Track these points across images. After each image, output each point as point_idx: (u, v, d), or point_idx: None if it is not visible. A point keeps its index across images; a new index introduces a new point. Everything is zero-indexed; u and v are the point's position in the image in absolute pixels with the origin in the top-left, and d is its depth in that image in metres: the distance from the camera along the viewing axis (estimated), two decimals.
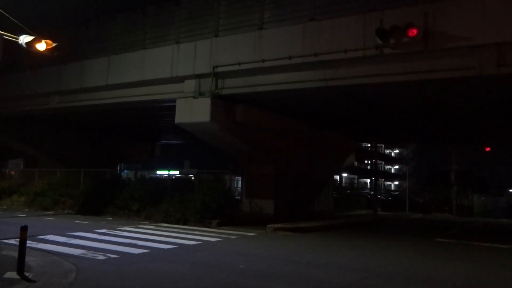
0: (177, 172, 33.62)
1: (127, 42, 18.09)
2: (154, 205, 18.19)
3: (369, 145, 30.79)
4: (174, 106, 16.27)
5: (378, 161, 39.25)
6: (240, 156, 19.46)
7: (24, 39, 11.82)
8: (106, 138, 28.61)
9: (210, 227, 15.66)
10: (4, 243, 9.05)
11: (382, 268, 8.94)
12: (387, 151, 71.20)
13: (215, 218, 16.20)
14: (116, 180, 21.45)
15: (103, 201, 19.35)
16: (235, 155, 19.83)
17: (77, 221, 16.20)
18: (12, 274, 6.59)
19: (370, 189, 41.41)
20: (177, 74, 16.27)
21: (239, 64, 14.56)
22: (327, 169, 23.98)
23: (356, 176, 55.22)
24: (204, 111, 15.33)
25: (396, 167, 74.78)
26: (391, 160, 73.13)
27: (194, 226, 15.81)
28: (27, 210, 20.76)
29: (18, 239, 6.94)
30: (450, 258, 11.05)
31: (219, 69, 15.20)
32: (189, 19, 16.54)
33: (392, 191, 59.58)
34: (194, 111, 15.61)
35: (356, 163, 38.37)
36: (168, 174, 23.94)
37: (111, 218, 17.91)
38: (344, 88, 14.28)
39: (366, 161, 32.39)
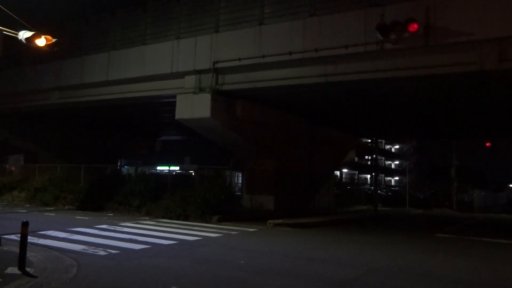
0: (177, 168, 33.62)
1: (127, 38, 18.05)
2: (155, 200, 18.20)
3: (369, 140, 30.77)
4: (175, 102, 16.26)
5: (379, 157, 39.20)
6: (241, 152, 19.46)
7: (23, 34, 11.79)
8: (106, 134, 28.61)
9: (210, 222, 15.68)
10: (5, 238, 9.05)
11: (382, 263, 8.95)
12: (387, 147, 71.18)
13: (215, 214, 16.21)
14: (117, 176, 21.44)
15: (104, 197, 19.37)
16: (236, 151, 19.84)
17: (77, 217, 16.22)
18: (13, 270, 6.60)
19: (371, 184, 41.39)
20: (177, 69, 16.26)
21: (240, 59, 14.54)
22: (328, 165, 23.99)
23: (357, 172, 55.18)
24: (204, 107, 15.32)
25: (397, 162, 74.80)
26: (391, 156, 73.13)
27: (195, 221, 15.83)
28: (27, 205, 20.79)
29: (19, 235, 6.95)
30: (451, 253, 11.07)
31: (220, 65, 15.18)
32: (189, 14, 16.49)
33: (393, 186, 59.63)
34: (194, 107, 15.61)
35: (356, 159, 38.42)
36: (169, 170, 23.96)
37: (111, 214, 17.93)
38: (345, 84, 14.26)
39: (366, 157, 32.39)
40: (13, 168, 29.12)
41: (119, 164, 29.01)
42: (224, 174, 19.33)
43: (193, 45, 15.90)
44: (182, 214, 16.60)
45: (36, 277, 6.44)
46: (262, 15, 14.63)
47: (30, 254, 7.44)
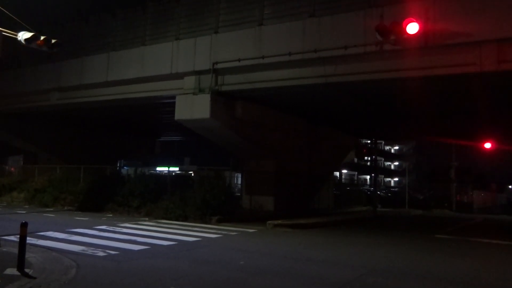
0: (177, 168, 33.62)
1: (127, 39, 18.05)
2: (154, 201, 18.19)
3: (369, 141, 30.76)
4: (174, 102, 16.26)
5: (378, 158, 39.23)
6: (240, 152, 19.46)
7: (23, 35, 11.81)
8: (106, 135, 28.61)
9: (210, 223, 15.67)
10: (4, 239, 9.05)
11: (381, 264, 8.95)
12: (387, 148, 71.21)
13: (215, 215, 16.21)
14: (116, 177, 21.43)
15: (103, 198, 19.35)
16: (235, 151, 19.84)
17: (77, 218, 16.21)
18: (12, 271, 6.60)
19: (370, 185, 41.40)
20: (177, 70, 16.26)
21: (239, 60, 14.53)
22: (327, 166, 23.99)
23: (356, 173, 55.25)
24: (204, 107, 15.32)
25: (396, 163, 74.79)
26: (391, 157, 73.14)
27: (194, 222, 15.83)
28: (27, 206, 20.77)
29: (18, 236, 6.94)
30: (450, 254, 11.07)
31: (219, 66, 15.18)
32: (189, 15, 16.50)
33: (392, 187, 59.62)
34: (194, 108, 15.61)
35: (356, 160, 38.40)
36: (168, 170, 23.93)
37: (111, 215, 17.91)
38: (344, 85, 14.26)
39: (366, 158, 32.37)
40: (12, 169, 29.13)
41: (118, 165, 29.02)
42: (224, 174, 19.31)
43: (193, 46, 15.90)
44: (181, 215, 16.58)
45: (35, 278, 6.43)
46: (261, 16, 14.63)
47: (29, 255, 7.44)
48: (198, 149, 34.81)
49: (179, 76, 16.33)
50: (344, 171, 46.88)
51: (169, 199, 17.80)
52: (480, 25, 11.11)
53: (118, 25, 18.57)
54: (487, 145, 26.75)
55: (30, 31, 11.92)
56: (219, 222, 15.83)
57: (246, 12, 15.05)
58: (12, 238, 9.50)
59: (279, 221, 15.34)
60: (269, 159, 18.75)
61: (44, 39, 12.19)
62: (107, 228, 13.20)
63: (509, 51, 11.10)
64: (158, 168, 30.73)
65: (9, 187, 24.13)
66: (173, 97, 16.36)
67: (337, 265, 8.80)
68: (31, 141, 25.97)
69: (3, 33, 11.46)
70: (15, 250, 6.98)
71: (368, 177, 55.59)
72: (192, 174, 23.76)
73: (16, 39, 11.95)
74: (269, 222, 15.26)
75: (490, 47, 11.23)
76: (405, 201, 33.46)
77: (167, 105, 17.98)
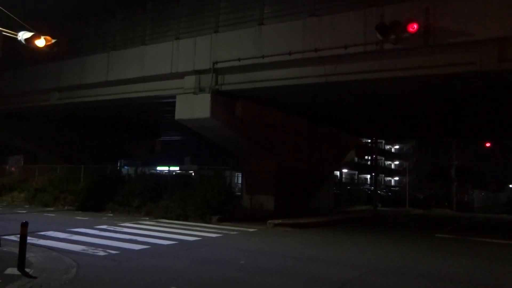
0: (177, 168, 33.57)
1: (127, 38, 18.05)
2: (155, 201, 18.20)
3: (369, 140, 30.79)
4: (174, 102, 16.26)
5: (378, 157, 39.21)
6: (241, 152, 19.45)
7: (23, 35, 11.79)
8: (106, 134, 28.60)
9: (210, 223, 15.68)
10: (5, 239, 9.05)
11: (381, 264, 8.95)
12: (387, 147, 71.17)
13: (215, 214, 16.22)
14: (117, 176, 21.44)
15: (104, 197, 19.37)
16: (236, 151, 19.83)
17: (77, 217, 16.22)
18: (13, 270, 6.60)
19: (371, 184, 41.39)
20: (177, 70, 16.26)
21: (239, 60, 14.53)
22: (327, 165, 23.98)
23: (357, 172, 55.19)
24: (204, 107, 15.31)
25: (396, 162, 74.77)
26: (391, 156, 73.11)
27: (195, 222, 15.84)
28: (27, 206, 20.79)
29: (19, 235, 6.95)
30: (450, 253, 11.06)
31: (219, 65, 15.18)
32: (189, 15, 16.49)
33: (392, 186, 59.60)
34: (194, 107, 15.61)
35: (356, 159, 38.37)
36: (169, 170, 23.93)
37: (111, 214, 17.93)
38: (345, 84, 14.25)
39: (366, 157, 32.37)
40: (13, 168, 29.11)
41: (119, 165, 28.98)
42: (224, 174, 19.32)
43: (193, 45, 15.89)
44: (182, 214, 16.59)
45: (35, 277, 6.44)
46: (262, 15, 14.62)
47: (29, 255, 7.44)
48: (199, 148, 34.79)
49: (179, 75, 16.32)
50: (345, 170, 46.85)
51: (170, 198, 17.81)
52: (481, 24, 11.09)
53: (118, 25, 18.56)
54: (488, 144, 26.75)
55: (30, 31, 11.91)
56: (219, 221, 15.84)
57: (246, 12, 15.04)
58: (12, 237, 9.51)
59: (280, 221, 15.34)
60: (269, 158, 18.74)
61: (44, 38, 12.17)
62: (108, 228, 13.21)
63: (509, 50, 11.09)
64: (159, 168, 30.67)
65: (9, 187, 24.16)
66: (173, 96, 16.36)
67: (338, 265, 8.80)
68: (31, 141, 25.97)
69: (3, 33, 11.45)
70: (16, 250, 6.99)
71: (368, 176, 55.56)
72: (193, 174, 23.75)
73: (16, 38, 11.95)
74: (270, 221, 15.26)
75: (490, 46, 11.21)
76: (405, 200, 33.45)
77: (167, 104, 17.97)
